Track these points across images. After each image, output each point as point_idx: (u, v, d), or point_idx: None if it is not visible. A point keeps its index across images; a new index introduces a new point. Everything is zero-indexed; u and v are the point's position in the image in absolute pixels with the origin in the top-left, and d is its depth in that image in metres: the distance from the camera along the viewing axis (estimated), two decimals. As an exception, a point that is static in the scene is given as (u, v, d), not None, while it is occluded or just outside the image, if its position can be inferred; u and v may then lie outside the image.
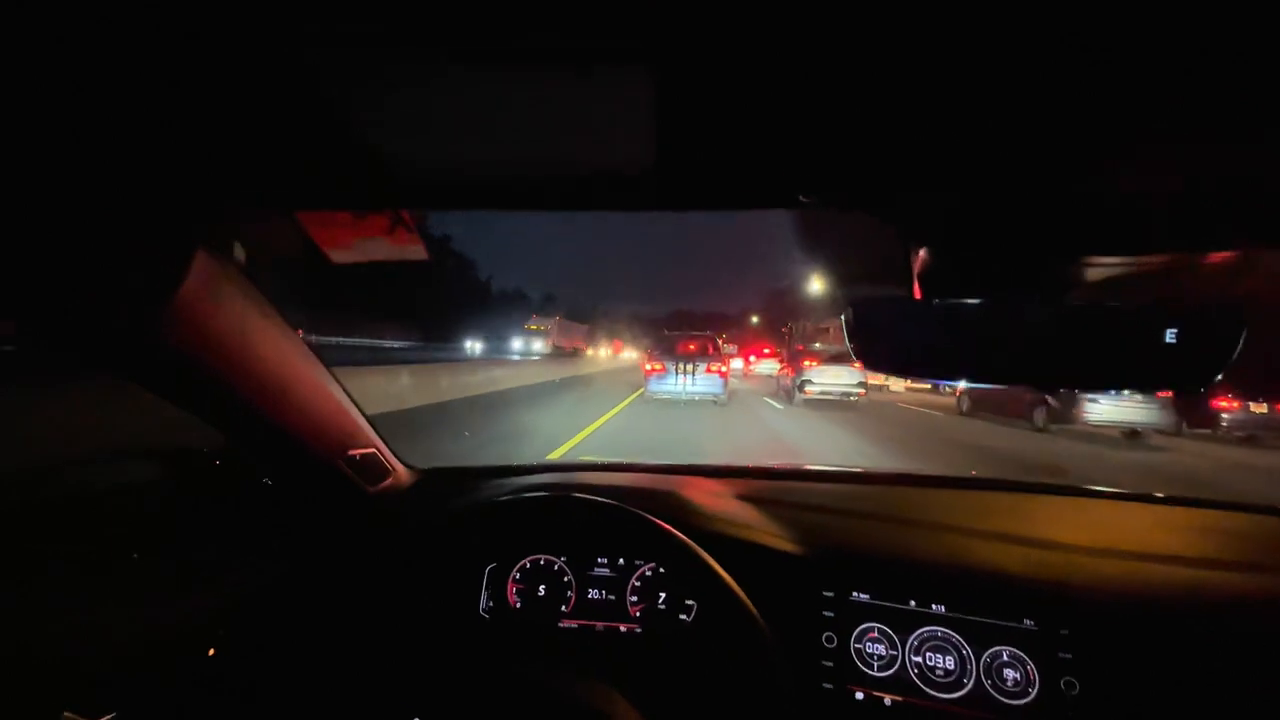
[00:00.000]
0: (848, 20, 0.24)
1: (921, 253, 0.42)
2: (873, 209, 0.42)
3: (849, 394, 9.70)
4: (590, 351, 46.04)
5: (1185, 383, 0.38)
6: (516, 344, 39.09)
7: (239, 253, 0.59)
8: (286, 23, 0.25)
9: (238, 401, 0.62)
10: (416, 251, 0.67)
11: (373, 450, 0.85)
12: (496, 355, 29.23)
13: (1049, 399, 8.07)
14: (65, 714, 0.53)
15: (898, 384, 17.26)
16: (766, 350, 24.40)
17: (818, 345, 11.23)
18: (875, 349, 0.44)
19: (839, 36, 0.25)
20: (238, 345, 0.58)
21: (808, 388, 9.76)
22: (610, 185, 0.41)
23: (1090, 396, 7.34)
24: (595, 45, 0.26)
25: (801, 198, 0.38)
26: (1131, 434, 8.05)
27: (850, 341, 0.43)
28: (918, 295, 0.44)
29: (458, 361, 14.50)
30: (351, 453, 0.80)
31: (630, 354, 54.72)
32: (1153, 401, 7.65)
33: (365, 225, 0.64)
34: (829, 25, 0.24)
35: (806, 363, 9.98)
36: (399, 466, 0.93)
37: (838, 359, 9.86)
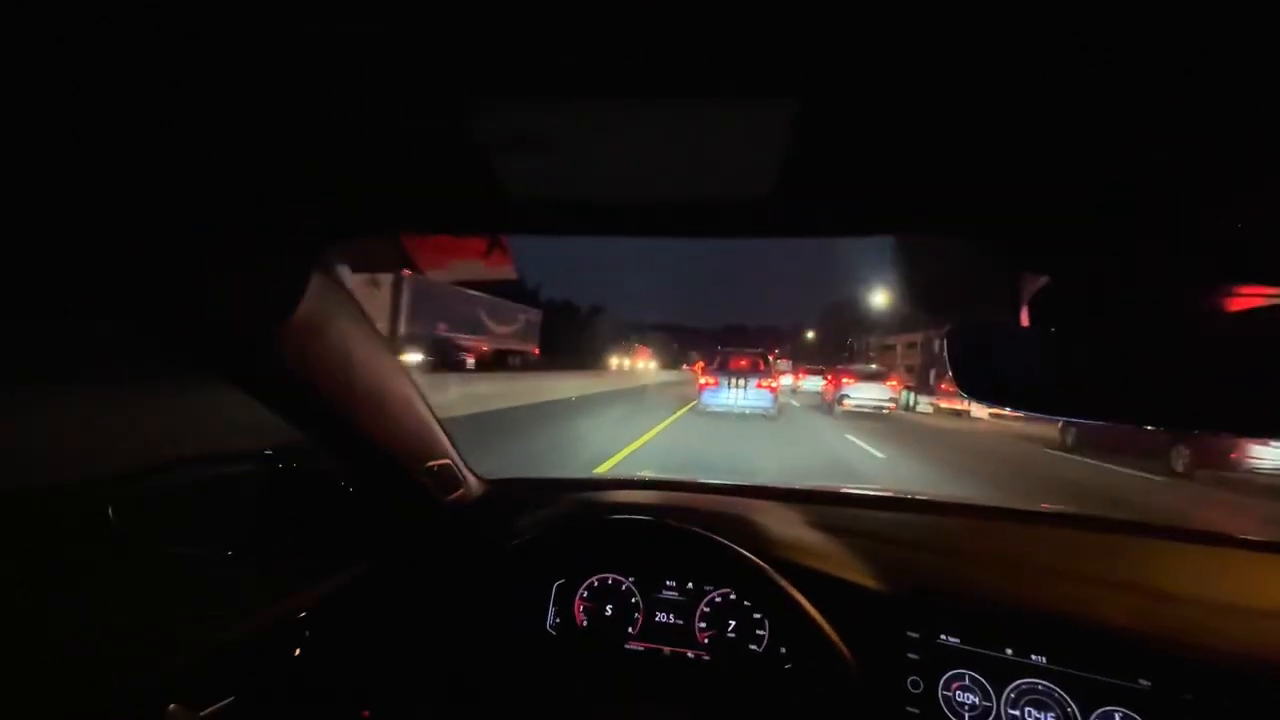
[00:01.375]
0: (985, 55, 0.26)
1: (1035, 279, 0.41)
2: (995, 237, 0.42)
3: (881, 407, 12.99)
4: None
5: None
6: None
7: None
8: (413, 59, 0.28)
9: (337, 413, 0.69)
10: (507, 271, 0.73)
11: (448, 462, 0.92)
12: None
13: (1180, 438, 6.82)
14: (171, 706, 0.58)
15: (979, 409, 16.03)
16: (818, 369, 25.47)
17: (872, 366, 14.64)
18: (979, 377, 0.43)
19: (976, 67, 0.27)
20: (342, 360, 0.65)
21: (845, 401, 12.88)
22: (729, 211, 0.43)
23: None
24: (737, 80, 0.28)
25: (925, 224, 0.39)
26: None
27: (951, 369, 0.44)
28: (1025, 323, 0.44)
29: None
30: (430, 464, 0.87)
31: (651, 364, 42.68)
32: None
33: (464, 246, 0.71)
34: (969, 54, 0.26)
35: (845, 380, 13.29)
36: (470, 477, 1.00)
37: (872, 377, 13.38)
